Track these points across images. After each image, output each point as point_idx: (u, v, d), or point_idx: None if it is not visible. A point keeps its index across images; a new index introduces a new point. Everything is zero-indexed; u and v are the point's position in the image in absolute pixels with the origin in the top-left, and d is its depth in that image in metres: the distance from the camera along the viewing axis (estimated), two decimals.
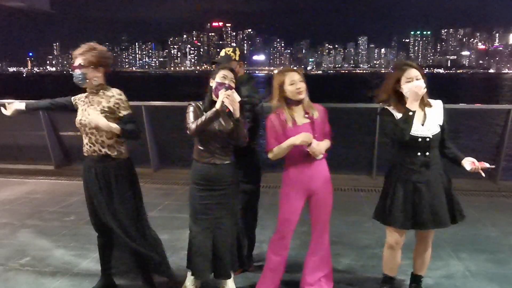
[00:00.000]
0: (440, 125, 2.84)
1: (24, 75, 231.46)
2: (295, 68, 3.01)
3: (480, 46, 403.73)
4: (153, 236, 3.25)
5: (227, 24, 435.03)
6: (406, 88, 2.76)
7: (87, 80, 2.96)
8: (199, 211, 3.05)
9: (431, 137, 2.78)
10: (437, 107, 2.87)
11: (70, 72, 3.06)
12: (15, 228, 4.67)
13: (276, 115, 2.95)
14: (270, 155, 2.98)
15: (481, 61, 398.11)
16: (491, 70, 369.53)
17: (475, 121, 8.35)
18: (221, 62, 3.25)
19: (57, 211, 5.27)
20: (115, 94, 3.01)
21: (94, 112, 2.89)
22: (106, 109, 2.96)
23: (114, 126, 2.87)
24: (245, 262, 3.54)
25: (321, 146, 2.88)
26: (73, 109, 3.10)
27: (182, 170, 6.49)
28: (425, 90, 2.74)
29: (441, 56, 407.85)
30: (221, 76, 2.94)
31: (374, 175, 6.62)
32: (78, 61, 2.94)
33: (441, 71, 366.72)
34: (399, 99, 2.83)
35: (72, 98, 3.15)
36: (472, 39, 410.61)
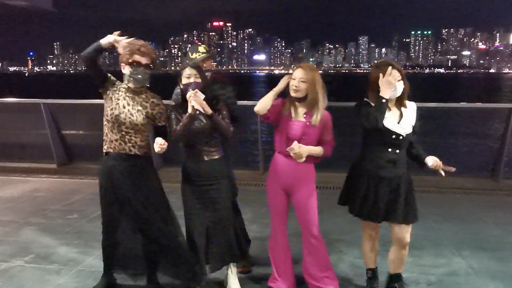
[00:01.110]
0: (412, 126, 2.91)
1: (27, 75, 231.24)
2: (307, 65, 2.94)
3: (481, 46, 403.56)
4: (177, 234, 3.19)
5: (227, 24, 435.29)
6: (381, 82, 2.80)
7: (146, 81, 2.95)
8: (192, 206, 3.09)
9: (404, 136, 2.86)
10: (411, 108, 2.95)
11: (121, 67, 2.96)
12: (19, 226, 4.69)
13: (283, 100, 2.97)
14: (256, 107, 2.94)
15: (481, 61, 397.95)
16: (492, 70, 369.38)
17: (476, 120, 8.36)
18: (202, 58, 3.33)
19: (60, 209, 5.29)
20: (160, 103, 3.05)
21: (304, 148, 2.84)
22: (150, 116, 3.00)
23: None
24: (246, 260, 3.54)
25: (303, 149, 2.83)
26: (101, 82, 3.00)
27: (181, 171, 6.48)
28: (400, 85, 2.81)
29: (442, 56, 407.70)
30: (185, 77, 2.98)
31: None
32: (143, 60, 2.91)
33: (442, 70, 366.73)
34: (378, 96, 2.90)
35: (109, 76, 3.04)
36: (472, 39, 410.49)
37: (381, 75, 2.79)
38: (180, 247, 3.11)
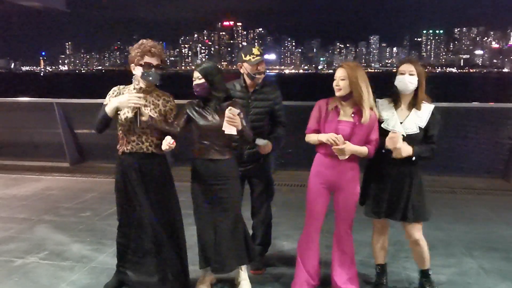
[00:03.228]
0: (420, 127, 2.93)
1: (42, 74, 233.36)
2: (348, 63, 2.92)
3: (494, 45, 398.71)
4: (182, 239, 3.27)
5: (238, 23, 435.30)
6: (396, 80, 2.93)
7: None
8: (200, 205, 3.13)
9: (404, 135, 2.90)
10: (425, 111, 2.97)
11: (131, 68, 3.02)
12: (33, 223, 4.77)
13: (326, 101, 3.01)
14: (306, 139, 3.06)
15: (495, 60, 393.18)
16: (505, 69, 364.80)
17: (488, 120, 8.29)
18: (262, 60, 3.35)
19: (73, 207, 5.36)
20: (171, 100, 3.11)
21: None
22: (163, 113, 3.06)
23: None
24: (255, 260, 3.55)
25: (348, 147, 2.83)
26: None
27: (191, 170, 6.52)
28: (413, 79, 2.89)
29: (454, 55, 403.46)
30: (193, 79, 3.04)
31: None
32: (154, 60, 2.96)
33: (454, 70, 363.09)
34: (396, 94, 3.01)
35: (114, 96, 3.06)
36: (485, 38, 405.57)
37: (398, 76, 2.93)
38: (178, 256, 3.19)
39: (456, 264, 3.72)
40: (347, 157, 2.87)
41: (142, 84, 3.03)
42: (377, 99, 3.03)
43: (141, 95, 2.88)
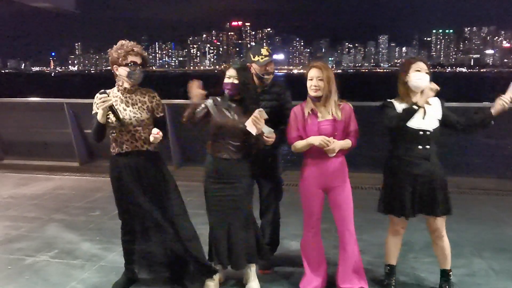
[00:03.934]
0: (439, 120, 2.96)
1: (52, 75, 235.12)
2: (320, 63, 2.99)
3: (505, 44, 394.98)
4: (191, 230, 3.26)
5: (246, 24, 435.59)
6: (412, 76, 2.90)
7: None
8: (213, 203, 3.16)
9: (431, 130, 2.92)
10: (435, 104, 2.99)
11: (114, 69, 3.05)
12: (43, 222, 4.82)
13: (301, 107, 3.04)
14: (293, 148, 3.06)
15: (505, 60, 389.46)
16: None
17: (499, 119, 8.21)
18: (271, 61, 3.36)
19: (83, 206, 5.41)
20: (156, 95, 3.13)
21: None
22: (150, 109, 3.08)
23: None
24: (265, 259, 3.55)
25: (335, 144, 2.90)
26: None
27: (204, 167, 6.54)
28: (427, 84, 2.88)
29: (464, 55, 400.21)
30: (226, 76, 3.06)
31: None
32: (137, 59, 3.00)
33: (464, 70, 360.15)
34: (407, 92, 2.98)
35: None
36: (496, 38, 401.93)
37: (413, 72, 2.89)
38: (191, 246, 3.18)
39: (466, 265, 3.70)
40: (335, 153, 2.94)
41: (126, 84, 3.06)
42: (388, 100, 3.04)
43: (103, 95, 2.85)
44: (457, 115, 3.02)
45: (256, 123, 2.88)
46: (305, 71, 3.02)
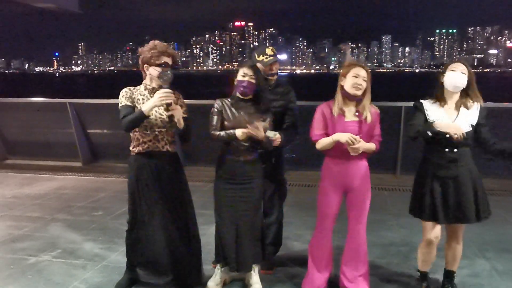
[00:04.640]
0: (472, 125, 2.89)
1: (57, 75, 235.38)
2: (364, 65, 2.98)
3: (509, 44, 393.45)
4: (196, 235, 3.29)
5: (249, 24, 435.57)
6: (446, 76, 2.90)
7: None
8: (223, 203, 3.14)
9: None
10: (473, 108, 2.94)
11: (144, 68, 3.04)
12: (46, 222, 4.83)
13: (327, 105, 3.01)
14: (317, 146, 3.02)
15: (509, 60, 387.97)
16: None
17: (503, 119, 8.18)
18: (275, 61, 3.34)
19: (86, 206, 5.42)
20: (180, 96, 3.13)
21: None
22: None
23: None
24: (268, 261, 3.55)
25: (360, 144, 2.85)
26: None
27: (207, 167, 6.55)
28: (463, 79, 2.87)
29: (468, 55, 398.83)
30: (241, 75, 3.03)
31: (398, 174, 6.60)
32: (170, 60, 3.01)
33: None
34: (442, 94, 2.97)
35: (127, 98, 3.04)
36: (500, 37, 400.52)
37: (448, 71, 2.91)
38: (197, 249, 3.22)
39: (469, 265, 3.68)
40: (359, 153, 2.88)
41: (154, 84, 3.05)
42: (420, 100, 3.02)
43: (169, 90, 2.85)
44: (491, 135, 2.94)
45: (255, 135, 2.90)
46: (344, 68, 2.98)
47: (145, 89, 3.07)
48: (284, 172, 3.64)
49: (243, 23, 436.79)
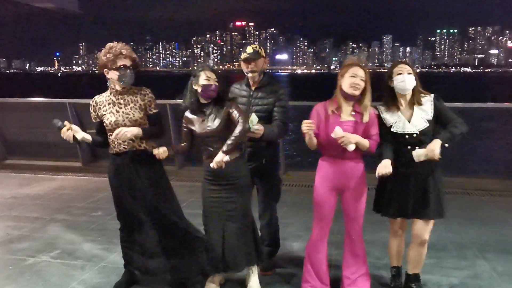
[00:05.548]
0: (428, 120, 2.91)
1: (59, 75, 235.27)
2: (361, 64, 2.94)
3: (510, 44, 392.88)
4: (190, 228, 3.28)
5: (250, 24, 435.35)
6: (396, 80, 2.92)
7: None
8: (210, 205, 3.13)
9: (417, 132, 2.89)
10: (426, 104, 2.96)
11: (104, 73, 3.04)
12: (45, 222, 4.82)
13: (322, 105, 3.00)
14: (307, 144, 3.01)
15: (510, 60, 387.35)
16: None
17: (504, 120, 8.17)
18: (253, 58, 3.29)
19: (85, 206, 5.41)
20: (148, 92, 3.11)
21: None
22: (143, 107, 3.07)
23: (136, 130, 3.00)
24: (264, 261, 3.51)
25: (349, 135, 2.82)
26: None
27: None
28: (410, 87, 2.91)
29: (469, 54, 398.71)
30: (204, 78, 2.98)
31: None
32: (127, 62, 2.98)
33: (469, 70, 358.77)
34: (393, 97, 3.00)
35: (93, 113, 3.18)
36: (501, 37, 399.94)
37: (396, 76, 2.91)
38: (197, 240, 3.19)
39: (469, 266, 3.67)
40: (354, 146, 2.84)
41: (118, 87, 3.05)
42: (377, 106, 3.04)
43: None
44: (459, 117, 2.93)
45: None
46: (343, 68, 2.95)
47: (111, 93, 3.10)
48: (279, 172, 3.61)
49: (244, 23, 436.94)
